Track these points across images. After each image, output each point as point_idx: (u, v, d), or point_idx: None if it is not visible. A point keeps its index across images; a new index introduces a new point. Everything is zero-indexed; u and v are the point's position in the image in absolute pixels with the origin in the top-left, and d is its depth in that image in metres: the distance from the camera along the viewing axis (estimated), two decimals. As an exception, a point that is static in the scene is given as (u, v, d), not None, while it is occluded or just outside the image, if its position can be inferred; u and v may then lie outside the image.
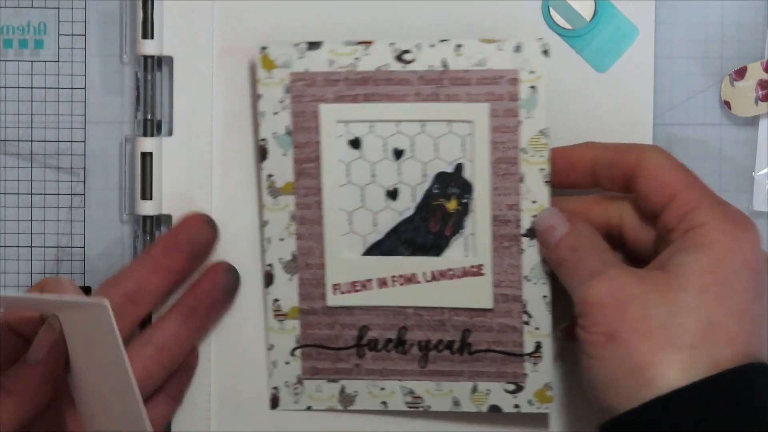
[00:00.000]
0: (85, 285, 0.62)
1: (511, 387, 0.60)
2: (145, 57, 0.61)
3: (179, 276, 0.59)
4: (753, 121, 0.62)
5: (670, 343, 0.50)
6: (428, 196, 0.59)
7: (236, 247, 0.61)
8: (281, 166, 0.59)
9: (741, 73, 0.61)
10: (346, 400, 0.61)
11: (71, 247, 0.63)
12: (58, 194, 0.63)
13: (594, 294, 0.52)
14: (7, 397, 0.50)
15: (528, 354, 0.59)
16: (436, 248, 0.59)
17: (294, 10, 0.61)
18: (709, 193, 0.54)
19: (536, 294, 0.59)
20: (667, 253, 0.53)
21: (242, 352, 0.62)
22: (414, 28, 0.61)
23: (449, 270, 0.59)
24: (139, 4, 0.61)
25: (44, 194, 0.63)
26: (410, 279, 0.59)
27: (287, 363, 0.61)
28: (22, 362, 0.51)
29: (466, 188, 0.59)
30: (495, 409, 0.60)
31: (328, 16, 0.61)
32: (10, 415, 0.50)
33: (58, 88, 0.63)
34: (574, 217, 0.57)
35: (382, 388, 0.61)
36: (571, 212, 0.57)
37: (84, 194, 0.63)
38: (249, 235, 0.61)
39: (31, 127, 0.63)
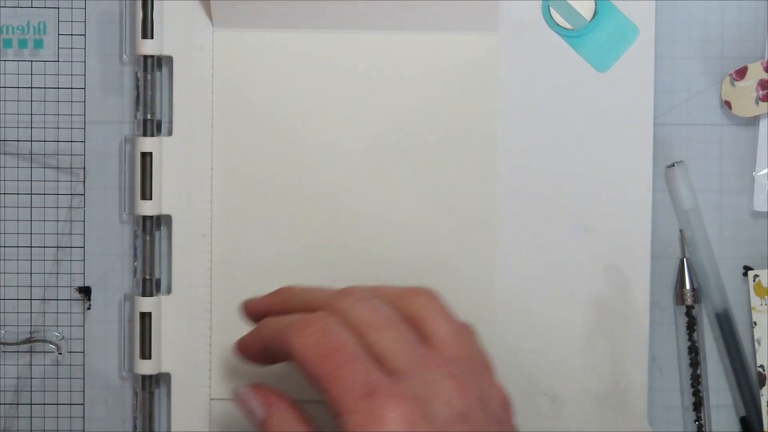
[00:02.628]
0: (85, 285, 0.62)
1: None
2: (145, 57, 0.61)
3: None
4: (753, 121, 0.62)
5: None
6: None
7: (237, 245, 0.61)
8: None
9: (741, 73, 0.61)
10: None
11: (71, 247, 0.63)
12: (57, 194, 0.62)
13: None
14: None
15: None
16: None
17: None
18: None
19: None
20: None
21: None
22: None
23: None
24: (139, 4, 0.61)
25: (44, 194, 0.63)
26: None
27: None
28: None
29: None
30: None
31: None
32: None
33: (58, 88, 0.63)
34: (273, 398, 0.52)
35: None
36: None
37: (84, 194, 0.63)
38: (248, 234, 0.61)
39: (31, 127, 0.63)
